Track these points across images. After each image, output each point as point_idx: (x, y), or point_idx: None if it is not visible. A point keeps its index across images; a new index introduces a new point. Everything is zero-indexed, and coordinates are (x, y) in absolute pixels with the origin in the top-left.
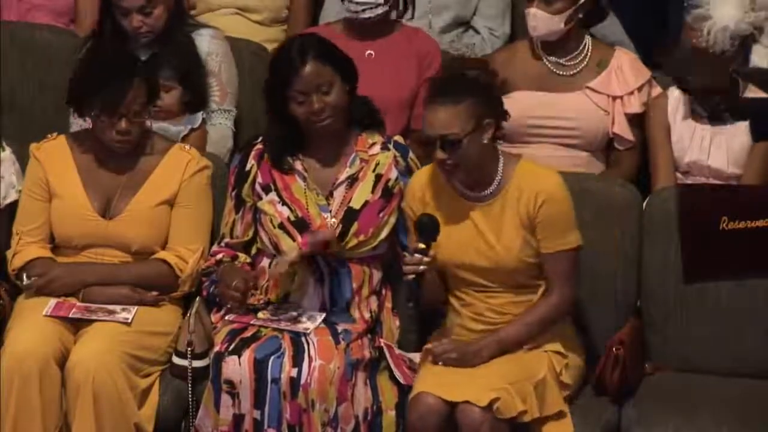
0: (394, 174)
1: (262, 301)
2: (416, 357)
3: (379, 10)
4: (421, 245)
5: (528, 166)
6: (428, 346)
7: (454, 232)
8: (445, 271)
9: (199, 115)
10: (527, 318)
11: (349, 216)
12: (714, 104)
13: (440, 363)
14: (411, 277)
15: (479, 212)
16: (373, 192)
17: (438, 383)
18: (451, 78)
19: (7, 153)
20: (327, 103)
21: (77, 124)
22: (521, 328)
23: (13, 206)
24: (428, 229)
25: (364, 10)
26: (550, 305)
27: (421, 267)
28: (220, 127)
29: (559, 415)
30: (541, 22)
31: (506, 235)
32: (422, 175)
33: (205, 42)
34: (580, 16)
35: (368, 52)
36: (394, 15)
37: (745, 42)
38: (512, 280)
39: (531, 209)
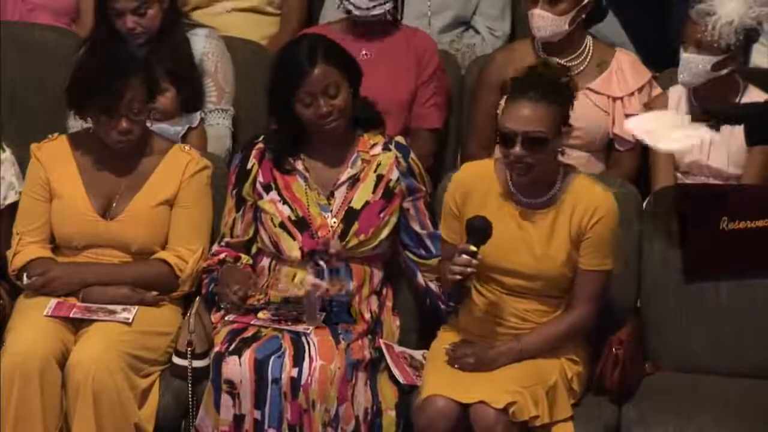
0: (395, 174)
1: (262, 302)
2: (418, 354)
3: (387, 6)
4: (472, 247)
5: (586, 181)
6: (445, 346)
7: (499, 234)
8: (479, 269)
9: (197, 115)
10: (551, 331)
11: (350, 216)
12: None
13: (456, 366)
14: (457, 278)
15: (529, 219)
16: (374, 192)
17: (449, 384)
18: (543, 77)
19: (7, 154)
20: (334, 106)
21: (75, 125)
22: (541, 341)
23: (13, 207)
24: (481, 232)
25: (374, 7)
26: (573, 320)
27: (469, 270)
28: (218, 127)
29: (564, 419)
30: (547, 23)
31: (554, 246)
32: (474, 168)
33: (200, 42)
34: (583, 17)
35: (363, 52)
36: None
37: (749, 35)
38: (545, 289)
39: (584, 224)
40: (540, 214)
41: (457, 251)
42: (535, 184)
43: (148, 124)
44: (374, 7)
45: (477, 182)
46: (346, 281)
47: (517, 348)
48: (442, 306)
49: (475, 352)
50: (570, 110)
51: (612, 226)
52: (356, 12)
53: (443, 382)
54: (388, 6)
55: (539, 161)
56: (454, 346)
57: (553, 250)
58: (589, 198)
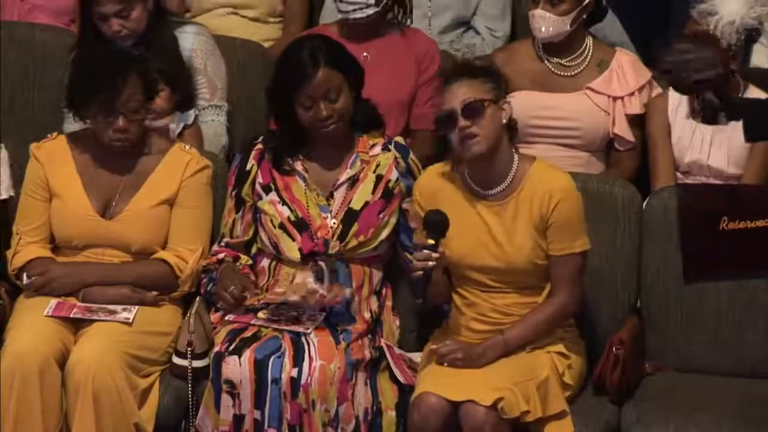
0: (394, 175)
1: (262, 302)
2: (416, 357)
3: (370, 11)
4: (430, 241)
5: (542, 167)
6: (433, 347)
7: (465, 231)
8: (452, 270)
9: (192, 113)
10: (533, 319)
11: (350, 217)
12: (707, 101)
13: (445, 364)
14: (419, 273)
15: (491, 212)
16: (373, 193)
17: (441, 383)
18: (464, 62)
19: (5, 153)
20: (334, 110)
21: (72, 128)
22: (526, 329)
23: (7, 206)
24: (437, 224)
25: (354, 11)
26: (555, 307)
27: (430, 263)
28: (213, 124)
29: (560, 415)
30: (548, 23)
31: (518, 236)
32: (433, 172)
33: (189, 39)
34: (584, 17)
35: (364, 54)
36: (390, 17)
37: (750, 35)
38: (520, 281)
39: (544, 210)
40: (501, 205)
41: (415, 248)
42: (491, 173)
43: (147, 123)
44: (354, 11)
45: (439, 184)
46: (345, 287)
47: (501, 340)
48: (416, 300)
49: (463, 348)
50: (504, 88)
51: (574, 207)
52: (339, 15)
53: (436, 380)
54: (371, 11)
55: (484, 130)
56: (442, 345)
57: (519, 240)
58: (545, 183)
